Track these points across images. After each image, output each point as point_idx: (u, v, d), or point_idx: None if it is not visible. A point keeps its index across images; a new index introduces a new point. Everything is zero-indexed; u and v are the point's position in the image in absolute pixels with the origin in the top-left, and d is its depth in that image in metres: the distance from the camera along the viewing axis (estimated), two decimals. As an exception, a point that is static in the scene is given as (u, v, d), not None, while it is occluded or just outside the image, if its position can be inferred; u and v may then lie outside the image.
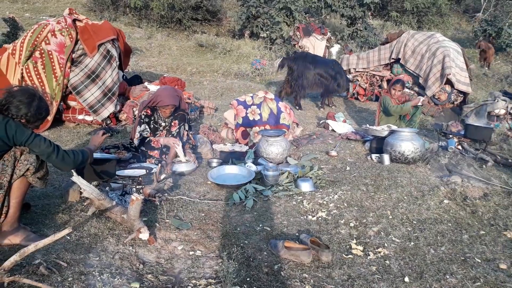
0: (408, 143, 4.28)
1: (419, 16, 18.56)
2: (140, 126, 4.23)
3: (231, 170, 4.16)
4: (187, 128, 4.35)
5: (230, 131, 5.40)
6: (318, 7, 14.93)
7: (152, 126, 4.27)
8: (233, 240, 2.84)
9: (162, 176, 3.45)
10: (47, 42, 5.21)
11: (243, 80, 10.18)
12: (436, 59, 7.64)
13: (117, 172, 3.57)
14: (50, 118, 5.20)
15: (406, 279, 2.44)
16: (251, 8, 14.10)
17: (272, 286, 2.34)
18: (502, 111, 6.33)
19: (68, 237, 2.57)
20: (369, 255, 2.71)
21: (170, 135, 4.27)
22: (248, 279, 2.39)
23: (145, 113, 4.26)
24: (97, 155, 3.55)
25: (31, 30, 5.29)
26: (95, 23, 5.66)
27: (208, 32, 16.01)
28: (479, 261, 2.64)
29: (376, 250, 2.77)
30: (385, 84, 8.56)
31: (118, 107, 5.71)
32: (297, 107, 7.43)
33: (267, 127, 5.18)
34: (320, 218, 3.22)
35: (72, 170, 2.82)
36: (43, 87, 5.18)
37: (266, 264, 2.58)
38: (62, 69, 5.21)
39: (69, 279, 2.14)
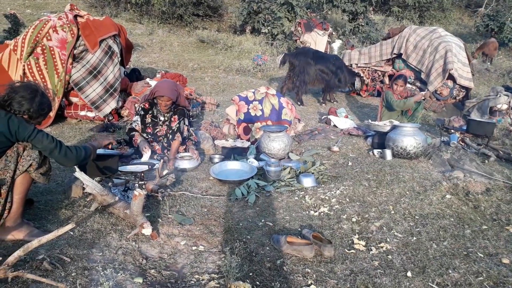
0: (410, 138, 4.27)
1: (421, 11, 18.48)
2: (134, 117, 4.32)
3: (233, 165, 4.16)
4: (187, 123, 4.36)
5: (232, 126, 5.40)
6: (320, 2, 14.85)
7: (149, 120, 4.28)
8: (235, 235, 2.85)
9: (165, 172, 3.46)
10: (49, 38, 5.21)
11: (245, 76, 10.16)
12: (438, 54, 7.61)
13: (120, 168, 3.57)
14: (52, 114, 5.20)
15: (409, 273, 2.44)
16: (252, 4, 14.04)
17: (275, 281, 2.35)
18: (505, 106, 6.31)
19: (71, 233, 2.58)
20: (371, 250, 2.72)
21: (170, 130, 4.28)
22: (250, 274, 2.40)
23: (142, 106, 4.29)
24: (99, 150, 3.55)
25: (33, 26, 5.28)
26: (96, 19, 5.65)
27: (210, 28, 15.97)
28: (482, 255, 2.64)
29: (379, 245, 2.77)
30: (387, 80, 8.53)
31: (120, 103, 5.71)
32: (299, 103, 7.42)
33: (269, 122, 5.18)
34: (322, 213, 3.23)
35: (75, 166, 2.83)
36: (45, 83, 5.18)
37: (268, 259, 2.58)
38: (63, 65, 5.21)
39: (73, 274, 2.16)
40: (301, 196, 3.53)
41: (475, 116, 6.25)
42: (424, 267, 2.51)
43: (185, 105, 4.39)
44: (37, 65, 5.17)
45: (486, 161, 4.38)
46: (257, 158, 4.39)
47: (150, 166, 3.73)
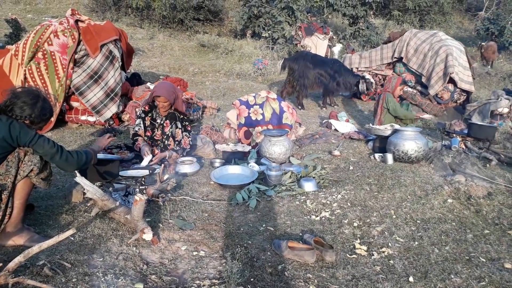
0: (411, 142, 4.27)
1: (421, 15, 18.51)
2: (136, 121, 4.32)
3: (234, 170, 4.16)
4: (179, 126, 4.34)
5: (232, 131, 5.40)
6: (320, 6, 14.89)
7: (149, 122, 4.30)
8: (236, 240, 2.83)
9: (165, 177, 3.45)
10: (50, 43, 5.22)
11: (245, 80, 10.18)
12: (439, 57, 7.61)
13: (120, 173, 3.57)
14: (53, 119, 5.21)
15: (411, 278, 2.43)
16: (253, 8, 14.09)
17: (276, 287, 2.34)
18: (506, 110, 6.30)
19: (72, 238, 2.58)
20: (373, 255, 2.70)
21: (165, 135, 4.29)
22: (252, 279, 2.39)
23: (142, 109, 4.31)
24: (100, 155, 3.55)
25: (34, 31, 5.30)
26: (97, 24, 5.67)
27: (210, 32, 16.02)
28: (484, 260, 2.63)
29: (380, 250, 2.76)
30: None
31: (121, 108, 5.72)
32: (300, 107, 7.42)
33: (270, 127, 5.18)
34: (323, 218, 3.21)
35: (75, 171, 2.83)
36: (46, 88, 5.18)
37: (270, 264, 2.57)
38: (64, 70, 5.22)
39: (73, 280, 2.15)
40: (302, 200, 3.52)
41: (476, 119, 6.24)
42: (426, 272, 2.50)
43: (182, 110, 4.38)
44: (38, 70, 5.18)
45: (488, 165, 4.37)
46: (258, 162, 4.38)
47: (150, 171, 3.73)
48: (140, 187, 3.25)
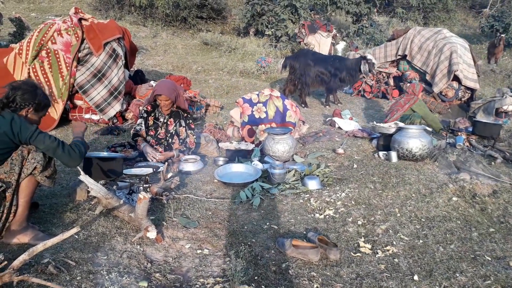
0: (415, 140, 4.24)
1: (425, 12, 18.41)
2: (138, 120, 4.32)
3: (238, 168, 4.15)
4: (183, 124, 4.34)
5: (236, 129, 5.39)
6: (323, 4, 14.83)
7: (152, 122, 4.29)
8: (240, 239, 2.83)
9: (169, 175, 3.45)
10: (54, 41, 5.23)
11: (249, 78, 10.16)
12: (443, 55, 7.57)
13: (124, 171, 3.57)
14: (57, 117, 5.22)
15: (415, 277, 2.42)
16: (256, 6, 14.05)
17: (280, 285, 2.33)
18: (510, 108, 6.26)
19: (76, 236, 2.58)
20: (377, 253, 2.69)
21: (169, 134, 4.28)
22: (256, 277, 2.38)
23: (145, 109, 4.30)
24: (104, 154, 3.56)
25: (38, 30, 5.31)
26: (100, 22, 5.67)
27: (213, 30, 15.99)
28: (489, 259, 2.61)
29: (385, 248, 2.75)
30: (391, 81, 8.49)
31: (125, 106, 5.73)
32: (303, 105, 7.40)
33: (273, 125, 5.17)
34: (327, 216, 3.21)
35: (79, 169, 2.83)
36: (49, 87, 5.20)
37: (273, 262, 2.57)
38: (68, 68, 5.23)
39: (78, 278, 2.15)
40: (306, 198, 3.51)
41: (480, 117, 6.20)
42: (431, 270, 2.49)
43: (184, 107, 4.37)
44: (42, 68, 5.19)
45: (493, 163, 4.35)
46: (262, 160, 4.37)
47: (154, 169, 3.73)
48: (144, 185, 3.26)
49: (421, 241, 2.84)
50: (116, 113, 5.56)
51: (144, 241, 2.65)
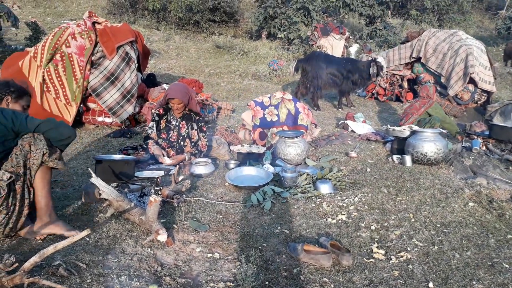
0: (430, 143, 4.17)
1: (440, 14, 18.18)
2: (150, 123, 4.34)
3: (249, 171, 4.13)
4: (195, 127, 4.34)
5: (247, 132, 5.37)
6: (336, 6, 14.77)
7: (164, 125, 4.30)
8: (251, 243, 2.80)
9: (180, 178, 3.44)
10: (68, 45, 5.29)
11: (261, 81, 10.15)
12: (458, 57, 7.45)
13: (136, 174, 3.58)
14: (70, 120, 5.27)
15: (430, 284, 2.36)
16: (268, 9, 14.06)
17: (291, 290, 2.30)
18: (529, 111, 6.12)
19: (87, 239, 2.59)
20: (391, 259, 2.64)
21: (180, 137, 4.28)
22: (266, 282, 2.35)
23: (157, 112, 4.31)
24: (116, 156, 3.58)
25: (52, 34, 5.38)
26: (114, 26, 5.72)
27: (226, 33, 16.05)
28: (508, 266, 2.54)
29: (399, 254, 2.69)
30: (405, 84, 8.39)
31: (137, 109, 5.76)
32: (315, 108, 7.35)
33: (285, 128, 5.13)
34: (340, 221, 3.16)
35: (91, 171, 2.84)
36: (63, 89, 5.26)
37: (285, 267, 2.53)
38: (82, 71, 5.28)
39: (88, 281, 2.15)
40: (318, 203, 3.47)
41: (497, 121, 6.08)
42: (447, 277, 2.42)
43: (197, 110, 4.37)
44: (56, 71, 5.26)
45: (510, 168, 4.24)
46: (273, 164, 4.34)
47: (165, 172, 3.73)
48: (155, 188, 3.25)
49: (436, 247, 2.77)
50: (129, 116, 5.59)
51: (154, 244, 2.64)
